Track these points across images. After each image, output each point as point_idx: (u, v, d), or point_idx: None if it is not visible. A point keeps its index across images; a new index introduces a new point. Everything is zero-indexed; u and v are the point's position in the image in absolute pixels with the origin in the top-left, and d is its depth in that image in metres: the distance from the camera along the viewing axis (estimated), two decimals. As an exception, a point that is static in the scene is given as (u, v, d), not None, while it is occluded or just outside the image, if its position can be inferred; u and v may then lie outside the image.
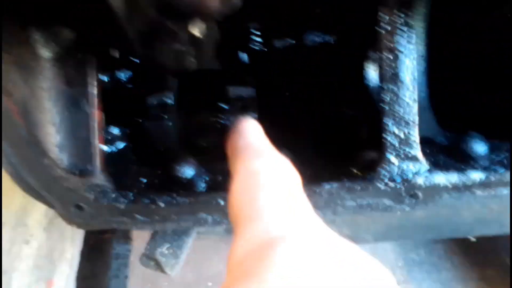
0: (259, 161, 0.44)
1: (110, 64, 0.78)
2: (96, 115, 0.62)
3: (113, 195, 0.61)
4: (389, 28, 0.60)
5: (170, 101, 0.72)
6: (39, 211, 1.03)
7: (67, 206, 0.60)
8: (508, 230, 0.80)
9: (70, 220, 0.62)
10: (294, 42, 0.88)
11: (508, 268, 1.14)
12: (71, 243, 1.10)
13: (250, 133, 0.51)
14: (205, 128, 0.79)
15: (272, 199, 0.38)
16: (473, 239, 0.93)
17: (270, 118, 0.78)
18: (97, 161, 0.61)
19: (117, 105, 0.78)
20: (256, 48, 0.87)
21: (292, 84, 0.87)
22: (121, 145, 0.73)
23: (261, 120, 0.71)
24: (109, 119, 0.71)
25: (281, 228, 0.34)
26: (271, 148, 0.48)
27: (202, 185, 0.64)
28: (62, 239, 1.09)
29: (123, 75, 0.80)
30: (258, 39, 0.88)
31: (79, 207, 0.60)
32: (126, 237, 1.14)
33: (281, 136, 0.78)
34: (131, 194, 0.61)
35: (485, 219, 0.79)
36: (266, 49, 0.88)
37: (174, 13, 0.35)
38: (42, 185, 0.58)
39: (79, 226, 0.63)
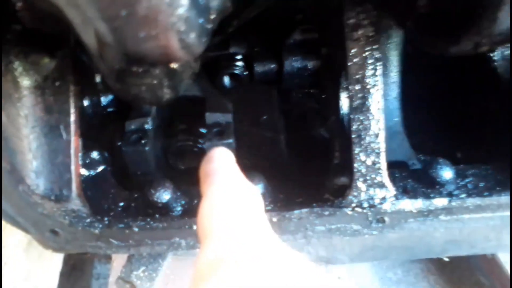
0: (224, 186, 0.48)
1: (91, 88, 0.80)
2: (74, 141, 0.63)
3: (88, 220, 0.62)
4: (357, 60, 0.63)
5: (148, 126, 0.74)
6: (18, 232, 1.03)
7: (42, 231, 0.61)
8: (477, 251, 0.82)
9: (45, 244, 0.63)
10: (273, 66, 0.90)
11: (482, 287, 1.17)
12: (51, 263, 1.09)
13: (220, 159, 0.53)
14: (183, 152, 0.81)
15: (228, 221, 0.42)
16: (446, 259, 0.95)
17: (246, 143, 0.80)
18: (74, 186, 0.62)
19: (96, 129, 0.79)
20: (236, 72, 0.90)
21: (271, 108, 0.90)
22: (100, 168, 0.74)
23: (237, 144, 0.73)
24: (89, 143, 0.72)
25: (228, 249, 0.38)
26: (238, 174, 0.51)
27: (178, 209, 0.66)
28: (41, 259, 1.08)
29: (103, 99, 0.81)
30: (238, 64, 0.90)
31: (54, 232, 0.61)
32: (107, 257, 1.14)
33: (256, 160, 0.81)
34: (106, 218, 0.62)
35: (456, 241, 0.81)
36: (245, 73, 0.90)
37: (140, 61, 0.37)
38: (17, 211, 0.59)
39: (54, 250, 0.64)
